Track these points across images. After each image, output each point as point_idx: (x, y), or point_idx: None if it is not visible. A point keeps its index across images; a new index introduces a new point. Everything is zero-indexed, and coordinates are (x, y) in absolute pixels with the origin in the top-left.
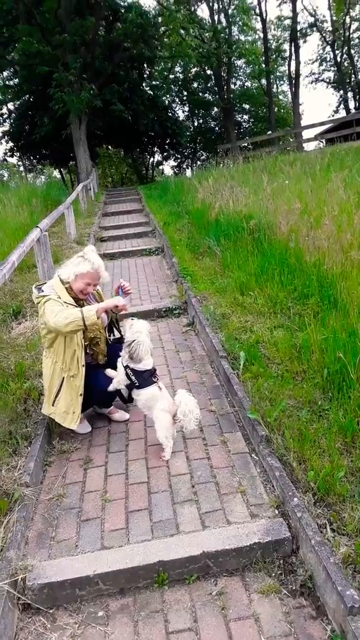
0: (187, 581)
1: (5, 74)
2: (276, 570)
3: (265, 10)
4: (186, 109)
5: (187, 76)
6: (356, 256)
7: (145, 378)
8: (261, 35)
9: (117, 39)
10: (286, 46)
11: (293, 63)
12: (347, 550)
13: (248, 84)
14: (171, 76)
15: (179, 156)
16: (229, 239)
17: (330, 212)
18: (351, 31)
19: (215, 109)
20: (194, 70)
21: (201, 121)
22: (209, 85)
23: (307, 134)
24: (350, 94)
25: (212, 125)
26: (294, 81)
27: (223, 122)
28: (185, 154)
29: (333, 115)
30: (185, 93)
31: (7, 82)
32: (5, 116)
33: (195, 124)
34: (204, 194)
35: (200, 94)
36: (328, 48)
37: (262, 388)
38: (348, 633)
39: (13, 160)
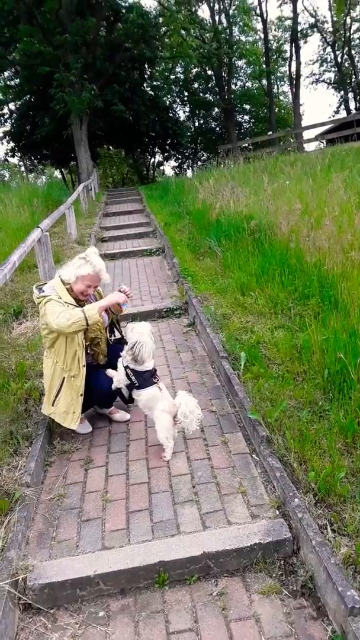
0: (187, 581)
1: (6, 74)
2: (277, 571)
3: (266, 11)
4: (187, 109)
5: (188, 76)
6: (357, 257)
7: (145, 379)
8: (262, 35)
9: (118, 39)
10: (287, 47)
11: (294, 63)
12: (347, 551)
13: (249, 84)
14: (172, 77)
15: (179, 156)
16: (229, 240)
17: (330, 213)
18: (352, 32)
19: (216, 110)
20: (194, 70)
21: (202, 121)
22: (209, 85)
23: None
24: (350, 95)
25: (212, 125)
26: (294, 82)
27: (224, 122)
28: (186, 154)
29: (333, 116)
30: (186, 93)
31: (8, 83)
32: (6, 116)
33: (196, 124)
34: (204, 194)
35: (201, 95)
36: (329, 49)
37: (262, 388)
38: (349, 634)
39: (14, 160)
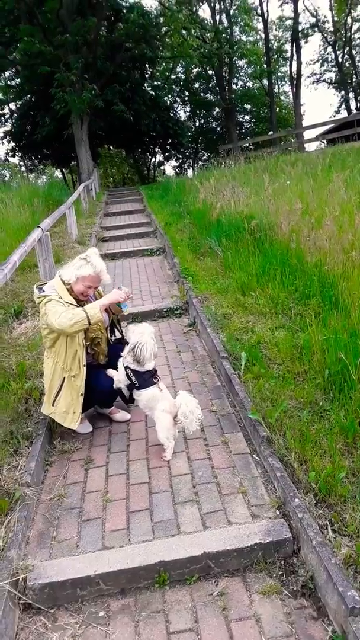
0: (188, 581)
1: (7, 74)
2: (277, 571)
3: (267, 11)
4: (188, 109)
5: (188, 76)
6: (357, 257)
7: (145, 379)
8: (262, 35)
9: (119, 39)
10: (287, 46)
11: (294, 63)
12: (348, 551)
13: (249, 84)
14: (173, 76)
15: (180, 156)
16: (230, 240)
17: (331, 213)
18: (352, 31)
19: (217, 109)
20: (195, 70)
21: (203, 121)
22: (210, 85)
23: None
24: (351, 95)
25: (213, 125)
26: (295, 81)
27: (224, 122)
28: (187, 154)
29: (334, 116)
30: (186, 93)
31: (9, 82)
32: (7, 116)
33: (197, 124)
34: (205, 194)
35: (202, 94)
36: (329, 48)
37: (263, 388)
38: (349, 634)
39: (15, 160)
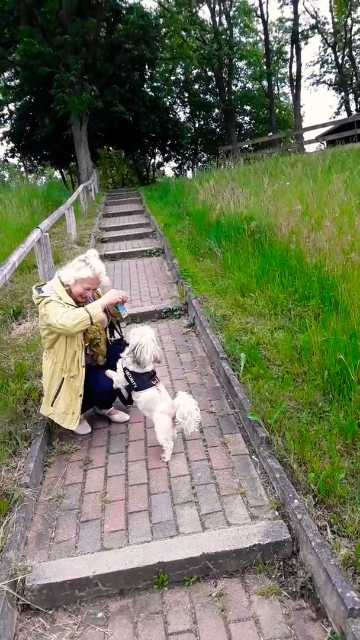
0: (186, 582)
1: (6, 74)
2: (276, 572)
3: (267, 12)
4: (187, 110)
5: (188, 77)
6: (357, 258)
7: (144, 380)
8: (262, 36)
9: (119, 40)
10: (287, 48)
11: (294, 65)
12: (347, 552)
13: (249, 85)
14: (172, 77)
15: (179, 157)
16: (229, 241)
17: (331, 214)
18: (352, 33)
19: (216, 111)
20: (195, 71)
21: (202, 122)
22: (210, 86)
23: (308, 135)
24: (351, 96)
25: (213, 126)
26: (295, 83)
27: (224, 123)
28: (186, 155)
29: (334, 117)
30: (186, 94)
31: (8, 83)
32: (6, 117)
33: (196, 125)
34: (204, 195)
35: (201, 96)
36: (329, 50)
37: (262, 389)
38: (348, 635)
39: (14, 160)
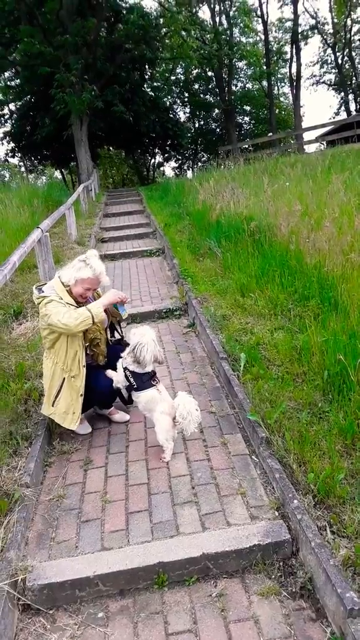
0: (186, 583)
1: (6, 74)
2: (276, 572)
3: (267, 12)
4: (187, 110)
5: (188, 77)
6: (356, 258)
7: (144, 380)
8: (262, 37)
9: (119, 40)
10: (287, 48)
11: (294, 65)
12: (347, 553)
13: (249, 85)
14: (172, 77)
15: (180, 157)
16: (229, 241)
17: (330, 214)
18: (352, 33)
19: (216, 111)
20: (195, 71)
21: (202, 123)
22: (210, 86)
23: (308, 135)
24: (351, 96)
25: (213, 126)
26: (295, 83)
27: (224, 123)
28: (186, 155)
29: (334, 117)
30: (186, 94)
31: (8, 83)
32: (6, 117)
33: (196, 125)
34: (204, 195)
35: (202, 96)
36: (329, 50)
37: (262, 390)
38: (348, 635)
39: (14, 160)
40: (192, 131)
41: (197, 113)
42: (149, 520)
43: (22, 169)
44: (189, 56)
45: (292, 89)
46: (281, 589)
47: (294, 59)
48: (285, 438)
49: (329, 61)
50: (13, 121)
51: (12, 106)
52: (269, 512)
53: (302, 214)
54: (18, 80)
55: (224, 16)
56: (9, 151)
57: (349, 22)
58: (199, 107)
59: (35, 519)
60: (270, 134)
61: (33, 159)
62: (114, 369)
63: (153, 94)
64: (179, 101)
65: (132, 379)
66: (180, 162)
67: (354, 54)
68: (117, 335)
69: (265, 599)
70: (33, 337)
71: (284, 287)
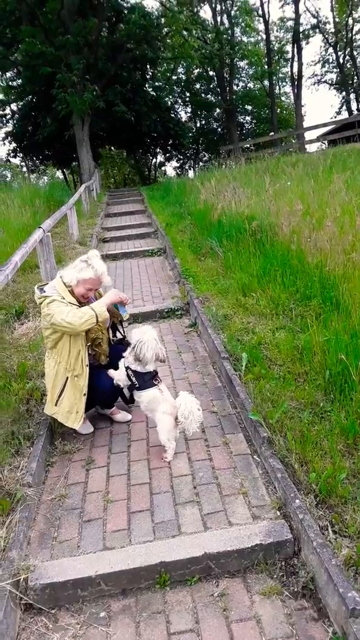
0: (188, 582)
1: (8, 74)
2: (278, 572)
3: (268, 12)
4: (189, 110)
5: (189, 77)
6: (358, 258)
7: (145, 380)
8: (264, 36)
9: (120, 40)
10: (289, 47)
11: (295, 64)
12: (349, 552)
13: (250, 85)
14: (174, 77)
15: (181, 157)
16: (231, 240)
17: (332, 214)
18: (354, 32)
19: (218, 110)
20: (196, 71)
21: (203, 122)
22: (211, 86)
23: (309, 135)
24: (352, 96)
25: (214, 126)
26: (296, 82)
27: (225, 123)
28: (188, 155)
29: (335, 117)
30: (187, 94)
31: (10, 83)
32: (8, 117)
33: (198, 125)
34: (206, 195)
35: (203, 95)
36: (330, 49)
37: (264, 389)
38: (350, 635)
39: (16, 160)
40: (194, 131)
41: (199, 113)
42: (150, 520)
43: (24, 169)
44: (190, 56)
45: (294, 89)
46: (283, 588)
47: (296, 58)
48: (287, 438)
49: (331, 60)
50: (15, 121)
51: (13, 106)
52: (271, 511)
53: (303, 213)
54: (20, 81)
55: (225, 16)
56: (10, 151)
57: (350, 21)
58: (200, 106)
59: (38, 519)
60: (272, 133)
61: (35, 159)
62: (116, 368)
63: (154, 93)
64: (180, 101)
65: (134, 378)
66: (181, 161)
67: (355, 53)
68: (119, 335)
69: (267, 599)
70: (35, 337)
71: (286, 286)
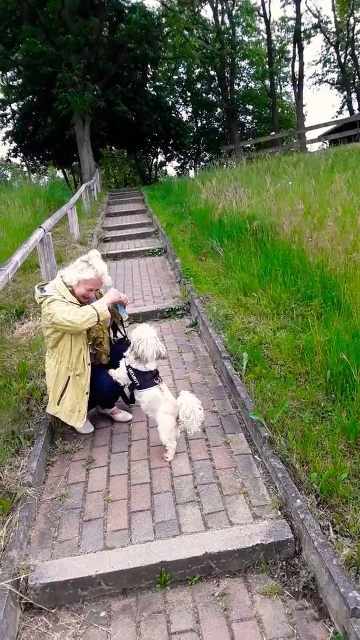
0: (189, 582)
1: (9, 74)
2: (279, 572)
3: (269, 11)
4: (189, 109)
5: (190, 77)
6: (359, 257)
7: (146, 379)
8: (265, 36)
9: (121, 39)
10: (290, 47)
11: (297, 64)
12: (350, 552)
13: (252, 84)
14: (175, 77)
15: (182, 157)
16: (232, 240)
17: (333, 214)
18: (355, 32)
19: (219, 110)
20: (197, 71)
21: (204, 122)
22: (212, 86)
23: (310, 134)
24: (354, 95)
25: (215, 126)
26: (297, 82)
27: (226, 122)
28: (189, 154)
29: (337, 116)
30: (188, 94)
31: (11, 83)
32: (9, 116)
33: (199, 124)
34: (207, 194)
35: (204, 95)
36: (332, 49)
37: (265, 389)
38: (351, 635)
39: (16, 160)
40: (195, 130)
41: (200, 112)
42: (151, 519)
43: (25, 168)
44: (191, 55)
45: (295, 88)
46: (284, 588)
47: (297, 57)
48: (287, 437)
49: (332, 60)
50: (15, 121)
51: (14, 106)
52: (272, 511)
53: (304, 213)
54: (20, 80)
55: (226, 15)
56: (11, 151)
57: (351, 20)
58: (201, 106)
59: (38, 518)
60: (273, 133)
61: (35, 158)
62: (117, 368)
63: (155, 93)
64: (181, 100)
65: (134, 377)
66: (182, 161)
67: (356, 52)
68: (119, 335)
69: (268, 599)
70: (35, 336)
71: (287, 286)
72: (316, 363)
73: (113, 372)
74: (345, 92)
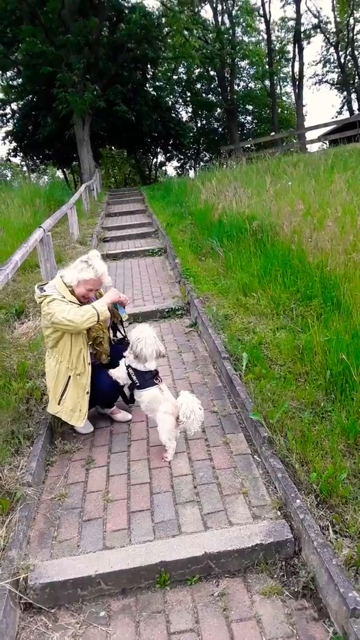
0: (189, 582)
1: (9, 74)
2: (278, 572)
3: (269, 12)
4: (189, 109)
5: (190, 77)
6: (359, 258)
7: (146, 379)
8: (265, 36)
9: (121, 39)
10: (290, 47)
11: (297, 64)
12: (349, 552)
13: (251, 85)
14: (175, 77)
15: (182, 157)
16: (231, 240)
17: (333, 214)
18: (355, 32)
19: (219, 110)
20: (197, 71)
21: (204, 122)
22: (212, 86)
23: (310, 135)
24: (353, 95)
25: (215, 126)
26: (297, 82)
27: (226, 123)
28: (189, 154)
29: (336, 117)
30: (188, 94)
31: (10, 82)
32: (8, 116)
33: (199, 124)
34: (207, 194)
35: (204, 95)
36: (332, 49)
37: (264, 389)
38: (350, 635)
39: (16, 160)
40: (194, 130)
41: (200, 112)
42: (150, 519)
43: (24, 168)
44: (191, 55)
45: (295, 88)
46: (283, 588)
47: (297, 58)
48: (287, 438)
49: (332, 60)
50: (15, 121)
51: (14, 105)
52: (271, 511)
53: (304, 213)
54: (20, 80)
55: (226, 15)
56: (11, 150)
57: (351, 21)
58: (201, 106)
59: (37, 518)
60: (273, 133)
61: (35, 158)
62: (117, 367)
63: (155, 93)
64: (181, 101)
65: (134, 377)
66: (182, 161)
67: (356, 53)
68: (119, 335)
69: (267, 599)
70: (35, 336)
71: (287, 286)
72: (316, 363)
73: (113, 372)
74: (345, 93)
